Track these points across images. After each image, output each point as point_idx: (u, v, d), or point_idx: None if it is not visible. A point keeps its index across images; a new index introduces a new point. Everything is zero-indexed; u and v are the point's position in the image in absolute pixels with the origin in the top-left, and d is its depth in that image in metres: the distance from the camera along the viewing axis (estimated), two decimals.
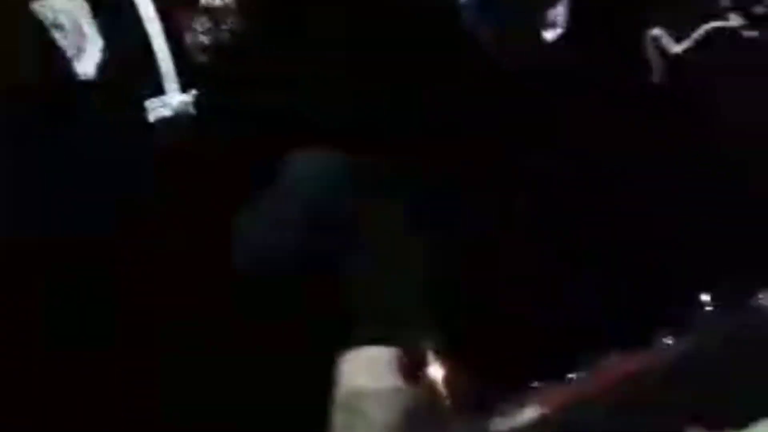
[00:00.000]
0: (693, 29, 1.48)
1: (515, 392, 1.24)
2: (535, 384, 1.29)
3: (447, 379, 1.25)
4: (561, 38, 1.29)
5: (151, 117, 1.19)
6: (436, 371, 1.25)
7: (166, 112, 1.19)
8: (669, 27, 1.50)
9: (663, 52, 1.49)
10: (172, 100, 1.20)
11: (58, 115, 1.12)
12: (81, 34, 1.20)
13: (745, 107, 1.48)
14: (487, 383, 1.26)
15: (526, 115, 1.36)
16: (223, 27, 1.22)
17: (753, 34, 1.49)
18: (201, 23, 1.23)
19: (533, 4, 1.25)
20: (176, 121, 1.19)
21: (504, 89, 1.31)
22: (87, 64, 1.15)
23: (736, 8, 1.49)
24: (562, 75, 1.36)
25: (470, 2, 1.28)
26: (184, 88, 1.20)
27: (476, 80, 1.29)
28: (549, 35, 1.26)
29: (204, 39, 1.22)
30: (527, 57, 1.30)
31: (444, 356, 1.24)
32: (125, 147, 1.16)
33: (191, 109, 1.20)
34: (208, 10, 1.24)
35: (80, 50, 1.15)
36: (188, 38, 1.21)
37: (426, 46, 1.27)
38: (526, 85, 1.33)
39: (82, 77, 1.16)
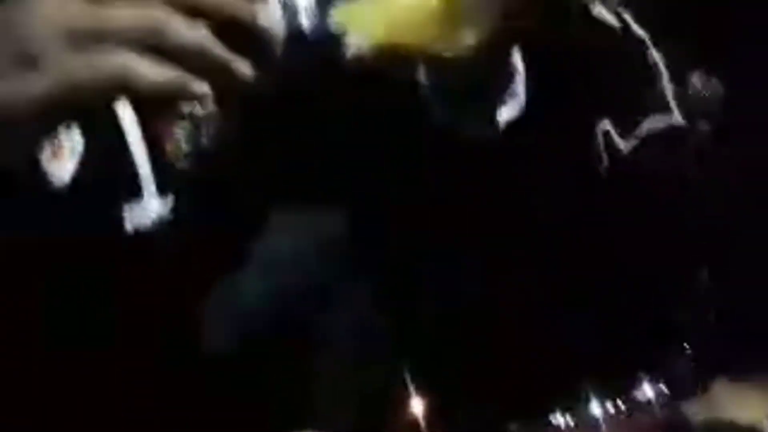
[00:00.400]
0: (639, 124, 1.51)
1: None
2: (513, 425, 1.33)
3: (426, 416, 1.31)
4: (520, 114, 1.30)
5: (128, 225, 1.14)
6: (416, 406, 1.33)
7: (144, 220, 1.14)
8: (617, 121, 1.52)
9: (611, 147, 1.52)
10: (150, 207, 1.15)
11: (32, 222, 1.06)
12: (56, 141, 1.14)
13: (687, 197, 1.53)
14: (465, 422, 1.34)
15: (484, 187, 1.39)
16: (205, 133, 1.18)
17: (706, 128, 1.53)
18: (183, 129, 1.19)
19: (486, 85, 1.24)
20: (153, 227, 1.14)
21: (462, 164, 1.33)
22: (62, 171, 1.08)
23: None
24: (519, 151, 1.39)
25: (427, 83, 1.26)
26: (162, 194, 1.16)
27: (434, 156, 1.31)
28: (507, 112, 1.26)
29: (185, 146, 1.17)
30: (482, 135, 1.30)
31: (423, 393, 1.32)
32: (103, 253, 1.11)
33: (169, 215, 1.16)
34: (191, 117, 1.20)
35: (55, 156, 1.08)
36: (169, 145, 1.17)
37: (393, 137, 1.27)
38: (483, 161, 1.35)
39: (57, 184, 1.11)
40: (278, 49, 0.90)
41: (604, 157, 1.47)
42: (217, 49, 0.84)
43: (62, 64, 0.79)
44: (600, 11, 1.51)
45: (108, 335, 1.12)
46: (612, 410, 1.46)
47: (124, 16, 0.79)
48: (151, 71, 0.80)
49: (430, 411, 1.38)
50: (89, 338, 1.12)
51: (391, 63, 1.02)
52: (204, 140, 1.18)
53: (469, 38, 1.03)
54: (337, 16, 1.00)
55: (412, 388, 1.38)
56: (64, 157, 1.09)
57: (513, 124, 1.24)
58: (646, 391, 1.49)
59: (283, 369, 1.22)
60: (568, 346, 1.52)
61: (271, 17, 0.90)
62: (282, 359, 1.22)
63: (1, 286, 1.04)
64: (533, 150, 1.37)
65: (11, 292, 1.05)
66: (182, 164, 1.17)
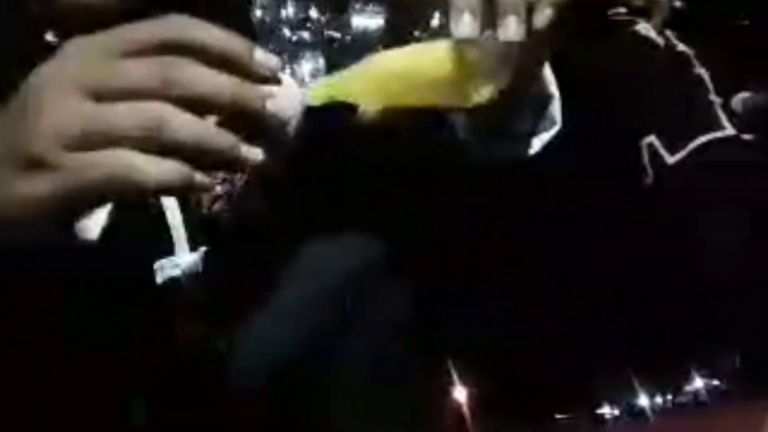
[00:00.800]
0: (688, 140, 1.50)
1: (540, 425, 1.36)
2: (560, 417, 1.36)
3: (471, 408, 1.33)
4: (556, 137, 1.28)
5: (159, 278, 1.15)
6: (461, 398, 1.33)
7: (175, 273, 1.15)
8: (664, 136, 1.51)
9: (657, 160, 1.51)
10: (181, 260, 1.16)
11: (61, 277, 1.08)
12: None
13: (731, 212, 1.52)
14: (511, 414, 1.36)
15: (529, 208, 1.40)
16: (239, 177, 1.18)
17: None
18: (216, 174, 1.17)
19: (516, 119, 1.22)
20: (184, 279, 1.16)
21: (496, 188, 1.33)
22: (92, 227, 1.10)
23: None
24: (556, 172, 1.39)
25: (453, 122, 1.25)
26: (194, 246, 1.16)
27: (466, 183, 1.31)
28: (543, 137, 1.24)
29: (219, 189, 1.17)
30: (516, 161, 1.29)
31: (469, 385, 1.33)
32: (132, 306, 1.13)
33: (200, 267, 1.16)
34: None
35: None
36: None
37: (421, 171, 1.27)
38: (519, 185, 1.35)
39: (86, 238, 1.10)
40: (290, 130, 0.89)
41: (649, 170, 1.46)
42: (222, 139, 0.83)
43: (66, 164, 0.80)
44: (646, 29, 1.48)
45: (135, 382, 1.14)
46: (660, 403, 1.47)
47: (124, 115, 0.80)
48: (154, 168, 0.80)
49: (476, 403, 1.40)
50: (117, 385, 1.13)
51: (403, 120, 1.00)
52: (239, 185, 1.19)
53: (485, 93, 0.99)
54: (318, 96, 0.95)
55: (456, 380, 1.40)
56: (94, 214, 1.10)
57: (549, 147, 1.22)
58: (697, 385, 1.49)
59: (313, 413, 1.23)
60: (617, 339, 1.52)
61: (284, 98, 0.89)
62: (311, 403, 1.23)
63: (29, 333, 1.08)
64: (572, 170, 1.36)
65: (39, 339, 1.08)
66: (216, 207, 1.18)
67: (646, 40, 1.57)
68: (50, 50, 0.85)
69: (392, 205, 1.22)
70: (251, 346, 1.19)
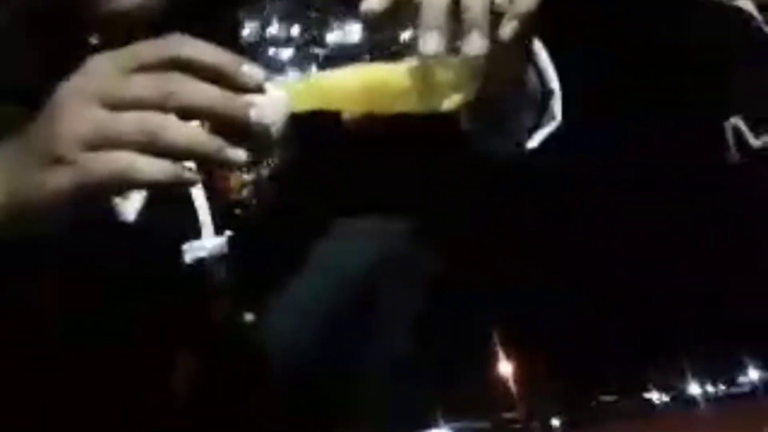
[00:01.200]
0: None
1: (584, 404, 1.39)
2: (608, 399, 1.41)
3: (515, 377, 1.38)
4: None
5: (187, 259, 1.22)
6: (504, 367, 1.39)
7: (202, 254, 1.21)
8: (749, 118, 1.50)
9: (742, 142, 1.50)
10: (207, 243, 1.23)
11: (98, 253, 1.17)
12: None
13: None
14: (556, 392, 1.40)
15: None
16: (265, 164, 1.24)
17: None
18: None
19: (510, 117, 1.21)
20: (210, 261, 1.23)
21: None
22: (129, 208, 1.20)
23: None
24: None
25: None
26: (219, 229, 1.23)
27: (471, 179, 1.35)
28: (545, 131, 1.25)
29: (246, 176, 1.25)
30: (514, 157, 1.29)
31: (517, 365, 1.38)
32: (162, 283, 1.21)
33: (226, 250, 1.23)
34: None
35: (124, 195, 1.19)
36: (232, 180, 1.23)
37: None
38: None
39: (122, 219, 1.19)
40: (275, 133, 0.97)
41: (733, 151, 1.46)
42: (211, 143, 0.94)
43: (81, 161, 0.94)
44: (747, 4, 1.46)
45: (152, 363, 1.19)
46: (712, 393, 1.46)
47: (130, 122, 0.93)
48: (149, 167, 0.93)
49: (521, 384, 1.43)
50: (137, 362, 1.18)
51: (384, 125, 1.05)
52: (265, 170, 1.24)
53: (456, 99, 1.01)
54: (301, 101, 1.00)
55: (504, 359, 1.43)
56: (131, 197, 1.19)
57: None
58: (751, 376, 1.47)
59: (333, 396, 1.28)
60: (671, 324, 1.52)
61: (268, 106, 0.97)
62: (332, 386, 1.28)
63: (63, 309, 1.13)
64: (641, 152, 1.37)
65: (72, 315, 1.14)
66: (244, 193, 1.23)
67: (748, 16, 1.55)
68: (93, 51, 0.99)
69: (409, 197, 1.27)
70: (270, 334, 1.25)
